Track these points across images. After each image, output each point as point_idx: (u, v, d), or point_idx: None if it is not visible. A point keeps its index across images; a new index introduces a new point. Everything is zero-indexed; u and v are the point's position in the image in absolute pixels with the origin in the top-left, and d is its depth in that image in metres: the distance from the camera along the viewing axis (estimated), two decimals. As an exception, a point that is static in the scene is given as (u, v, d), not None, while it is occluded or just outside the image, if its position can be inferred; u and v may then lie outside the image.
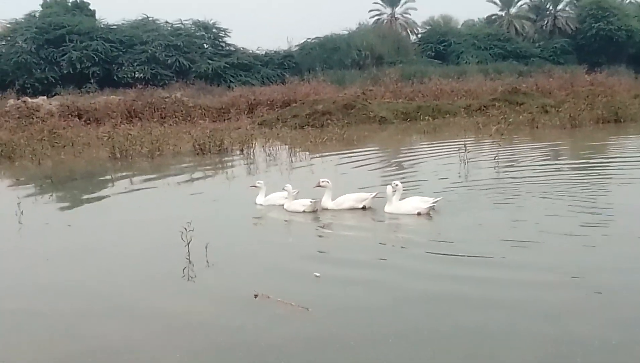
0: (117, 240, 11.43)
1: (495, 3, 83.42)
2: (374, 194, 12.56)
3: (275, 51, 71.00)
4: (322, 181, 12.89)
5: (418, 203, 11.79)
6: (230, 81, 62.32)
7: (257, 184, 13.75)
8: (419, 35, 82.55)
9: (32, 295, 8.53)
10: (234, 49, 69.58)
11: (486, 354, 6.21)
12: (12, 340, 7.12)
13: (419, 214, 11.69)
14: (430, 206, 11.70)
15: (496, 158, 17.27)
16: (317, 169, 18.86)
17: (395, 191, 12.04)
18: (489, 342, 6.45)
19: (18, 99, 40.54)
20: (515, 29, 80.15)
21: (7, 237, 11.93)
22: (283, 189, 13.21)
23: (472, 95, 40.59)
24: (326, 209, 12.66)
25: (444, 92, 41.78)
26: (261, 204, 13.53)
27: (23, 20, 65.52)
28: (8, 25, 65.13)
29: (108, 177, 19.39)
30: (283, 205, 13.06)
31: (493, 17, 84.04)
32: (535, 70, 60.16)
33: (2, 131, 28.67)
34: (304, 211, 12.67)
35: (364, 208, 12.48)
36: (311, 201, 12.66)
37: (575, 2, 79.83)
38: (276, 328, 7.01)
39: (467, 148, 17.74)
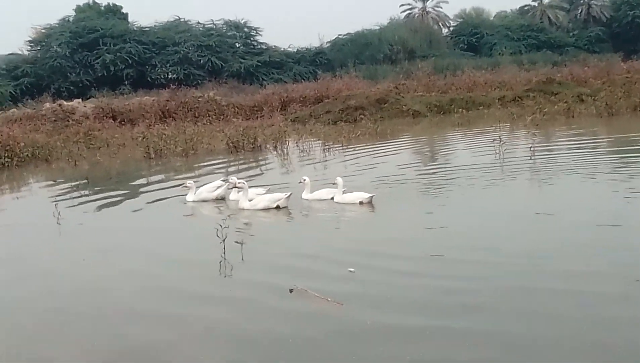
0: (153, 239, 11.51)
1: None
2: (289, 194, 13.13)
3: (306, 48, 71.01)
4: (239, 183, 13.47)
5: (362, 194, 12.90)
6: (263, 79, 62.44)
7: (187, 184, 14.66)
8: (451, 28, 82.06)
9: (72, 295, 8.62)
10: (265, 48, 69.66)
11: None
12: (54, 338, 7.20)
13: (361, 203, 12.73)
14: (371, 197, 12.74)
15: (531, 147, 17.06)
16: (350, 163, 18.89)
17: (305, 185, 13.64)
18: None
19: (54, 103, 40.99)
20: (549, 18, 79.22)
21: (46, 238, 12.08)
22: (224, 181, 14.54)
23: (506, 86, 40.13)
24: (242, 209, 13.12)
25: (477, 84, 41.35)
26: (192, 201, 14.33)
27: (57, 25, 66.26)
28: (43, 31, 65.93)
29: (143, 176, 19.54)
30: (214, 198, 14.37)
31: (526, 8, 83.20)
32: (570, 59, 59.27)
33: (39, 133, 28.97)
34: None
35: (277, 207, 12.96)
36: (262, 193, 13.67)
37: (610, -11, 78.78)
38: (312, 322, 6.98)
39: (502, 139, 17.56)
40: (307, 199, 13.54)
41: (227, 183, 14.47)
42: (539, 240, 9.44)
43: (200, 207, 14.08)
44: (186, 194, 14.60)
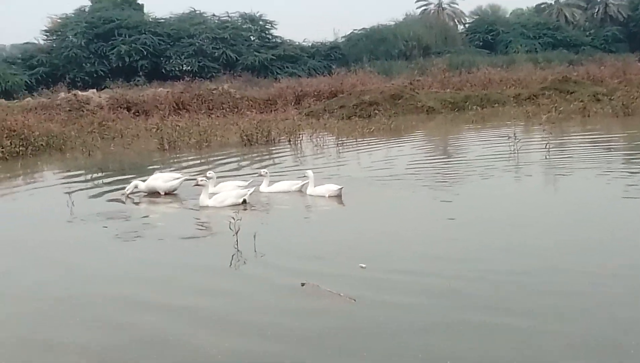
0: (167, 230, 11.50)
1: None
2: (252, 190, 13.19)
3: (321, 43, 71.19)
4: (200, 180, 13.18)
5: (331, 186, 13.29)
6: (277, 73, 62.49)
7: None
8: (467, 25, 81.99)
9: (83, 284, 8.61)
10: (280, 41, 69.76)
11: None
12: (67, 326, 7.18)
13: (329, 196, 13.03)
14: (339, 189, 13.04)
15: (547, 145, 16.97)
16: (364, 158, 18.88)
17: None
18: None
19: (69, 92, 41.10)
20: (565, 17, 78.88)
21: (59, 228, 12.06)
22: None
23: (522, 84, 39.90)
24: (205, 207, 12.87)
25: (492, 81, 41.11)
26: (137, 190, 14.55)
27: (73, 15, 66.65)
28: (59, 20, 66.28)
29: (157, 168, 19.54)
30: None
31: (542, 6, 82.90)
32: (586, 58, 58.92)
33: (53, 123, 28.98)
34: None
35: (244, 202, 12.87)
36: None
37: (627, -11, 78.30)
38: (322, 318, 6.94)
39: (517, 136, 17.50)
40: (266, 192, 13.77)
41: (182, 178, 14.61)
42: (551, 237, 9.40)
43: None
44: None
